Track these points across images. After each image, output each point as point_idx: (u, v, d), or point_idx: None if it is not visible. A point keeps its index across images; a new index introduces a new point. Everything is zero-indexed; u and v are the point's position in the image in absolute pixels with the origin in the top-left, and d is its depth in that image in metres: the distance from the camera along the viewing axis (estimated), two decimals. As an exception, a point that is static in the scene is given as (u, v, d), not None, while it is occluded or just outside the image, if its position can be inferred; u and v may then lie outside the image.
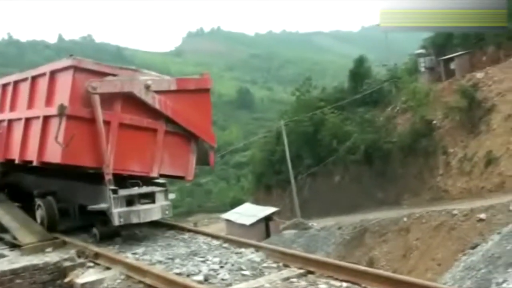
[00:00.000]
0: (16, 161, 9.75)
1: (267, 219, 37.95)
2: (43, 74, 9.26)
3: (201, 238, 9.16)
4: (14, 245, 9.08)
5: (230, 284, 6.62)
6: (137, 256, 8.10)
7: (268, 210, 39.09)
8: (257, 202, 46.36)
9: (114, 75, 8.75)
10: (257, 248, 8.09)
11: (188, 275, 7.00)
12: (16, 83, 10.37)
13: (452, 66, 38.55)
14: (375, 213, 32.17)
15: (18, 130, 9.83)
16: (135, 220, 8.62)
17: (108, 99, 8.61)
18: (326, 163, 41.48)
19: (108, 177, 8.44)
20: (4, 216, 10.02)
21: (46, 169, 9.34)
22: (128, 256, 8.04)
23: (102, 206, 8.57)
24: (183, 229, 9.82)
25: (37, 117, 9.18)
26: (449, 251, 21.96)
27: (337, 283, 6.36)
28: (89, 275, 7.61)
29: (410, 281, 6.08)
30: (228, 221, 42.21)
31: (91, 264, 8.04)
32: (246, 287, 6.49)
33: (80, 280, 7.46)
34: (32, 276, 7.79)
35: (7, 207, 10.53)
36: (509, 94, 30.41)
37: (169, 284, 6.62)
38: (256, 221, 37.39)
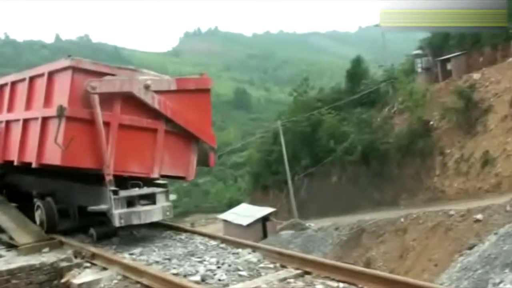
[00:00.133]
0: (15, 163, 9.66)
1: (264, 219, 37.97)
2: (41, 75, 9.17)
3: (198, 239, 9.15)
4: (10, 246, 9.05)
5: (227, 285, 6.62)
6: (134, 256, 8.09)
7: (265, 210, 39.09)
8: (254, 202, 46.36)
9: (113, 75, 8.66)
10: (254, 249, 8.09)
11: (185, 276, 7.00)
12: (13, 83, 10.26)
13: (449, 66, 38.62)
14: (372, 213, 32.19)
15: (16, 132, 9.74)
16: (136, 221, 8.55)
17: (107, 99, 8.53)
18: (323, 164, 41.50)
19: (109, 177, 8.37)
20: (1, 216, 9.99)
21: (45, 170, 9.26)
22: (125, 257, 8.03)
23: (103, 207, 8.49)
24: (180, 230, 9.81)
25: (36, 118, 9.09)
26: (445, 252, 21.98)
27: (334, 284, 6.37)
28: (86, 276, 7.59)
29: (406, 281, 6.09)
30: (225, 221, 42.21)
31: (88, 264, 8.02)
32: (243, 287, 6.50)
33: (77, 281, 7.44)
34: (28, 277, 7.76)
35: (4, 207, 10.50)
36: (505, 95, 30.47)
37: (166, 284, 6.61)
38: (253, 222, 37.40)
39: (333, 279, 6.46)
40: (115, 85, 8.56)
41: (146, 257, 7.98)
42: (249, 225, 37.16)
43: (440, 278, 17.36)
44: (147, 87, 8.74)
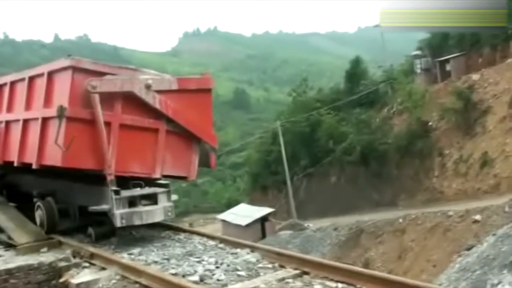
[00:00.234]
0: (15, 164, 9.58)
1: (263, 219, 37.98)
2: (41, 75, 9.09)
3: (196, 239, 9.15)
4: (9, 245, 9.04)
5: (225, 285, 6.62)
6: (132, 256, 8.08)
7: (264, 210, 39.10)
8: (253, 202, 46.36)
9: (113, 74, 8.59)
10: (253, 249, 8.09)
11: (183, 276, 7.00)
12: (12, 83, 10.17)
13: (448, 67, 38.65)
14: (371, 214, 32.21)
15: (16, 132, 9.66)
16: (137, 221, 8.49)
17: (108, 99, 8.45)
18: (322, 164, 41.52)
19: (110, 177, 8.30)
20: (0, 216, 9.98)
21: (46, 170, 9.16)
22: (124, 257, 8.02)
23: (104, 207, 8.41)
24: (178, 230, 9.79)
25: (36, 119, 9.01)
26: (444, 252, 22.01)
27: (333, 284, 6.37)
28: (84, 275, 7.58)
29: (405, 282, 6.09)
30: (224, 221, 42.21)
31: (87, 264, 8.01)
32: (242, 287, 6.50)
33: (75, 280, 7.43)
34: (27, 276, 7.75)
35: (3, 207, 10.49)
36: (504, 96, 30.50)
37: (164, 284, 6.60)
38: (252, 222, 37.41)
39: (331, 280, 6.47)
40: (116, 84, 8.48)
41: (145, 257, 7.97)
42: (248, 225, 37.17)
43: (439, 278, 17.37)
44: (148, 87, 8.65)
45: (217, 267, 7.27)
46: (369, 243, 28.48)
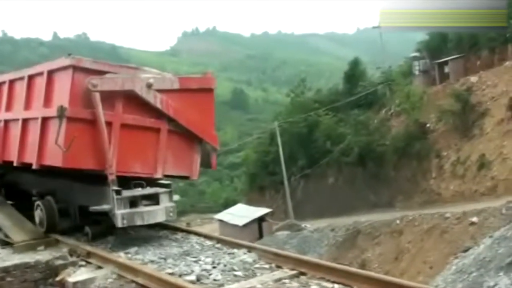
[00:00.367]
0: (15, 164, 9.47)
1: (260, 220, 38.00)
2: (40, 74, 8.98)
3: (193, 238, 9.13)
4: (6, 243, 9.03)
5: (222, 285, 6.62)
6: (129, 255, 8.06)
7: (261, 211, 39.13)
8: (250, 203, 46.38)
9: (114, 73, 8.49)
10: (250, 249, 8.08)
11: (180, 275, 6.99)
12: (11, 82, 10.05)
13: (447, 69, 38.76)
14: (368, 215, 32.25)
15: (15, 132, 9.54)
16: (138, 222, 8.38)
17: (109, 98, 8.35)
18: (319, 165, 41.58)
19: (112, 177, 8.18)
20: (-3, 214, 9.97)
21: (46, 170, 9.02)
22: (121, 256, 8.00)
23: (105, 207, 8.29)
24: (176, 229, 9.75)
25: (35, 118, 8.90)
26: (441, 254, 22.03)
27: (329, 285, 6.37)
28: (81, 274, 7.56)
29: (401, 283, 6.10)
30: (221, 221, 42.24)
31: (83, 263, 7.99)
32: (238, 287, 6.50)
33: (72, 279, 7.42)
34: (23, 274, 7.74)
35: (0, 206, 10.47)
36: (502, 99, 30.59)
37: (161, 284, 6.59)
38: (249, 222, 37.44)
39: (328, 280, 6.47)
40: (117, 83, 8.37)
41: (142, 256, 7.95)
42: (245, 226, 37.20)
43: (435, 280, 17.40)
44: (149, 86, 8.53)
45: (214, 267, 7.26)
46: (366, 244, 28.50)
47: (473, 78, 34.13)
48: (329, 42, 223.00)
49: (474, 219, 22.07)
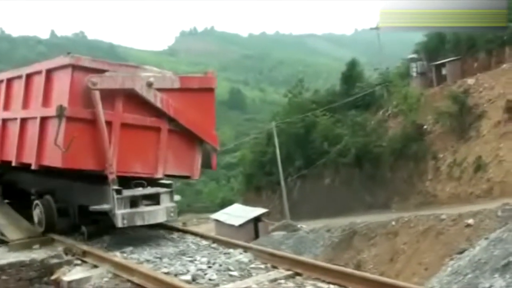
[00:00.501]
0: (13, 164, 9.35)
1: (256, 220, 37.97)
2: (39, 72, 8.85)
3: (189, 238, 9.12)
4: (1, 242, 9.01)
5: (217, 285, 6.62)
6: (125, 254, 8.04)
7: (258, 211, 39.11)
8: (246, 203, 46.37)
9: (114, 72, 8.39)
10: (246, 249, 8.07)
11: (176, 275, 6.99)
12: (9, 80, 9.94)
13: (444, 71, 38.84)
14: (364, 216, 32.27)
15: (13, 131, 9.41)
16: (139, 222, 8.29)
17: (109, 97, 8.24)
18: (316, 166, 41.60)
19: (112, 176, 8.08)
20: (-7, 212, 9.95)
21: (45, 169, 8.89)
22: (116, 255, 7.98)
23: (105, 207, 8.18)
24: (172, 229, 9.73)
25: (34, 118, 8.78)
26: (436, 256, 22.05)
27: (324, 285, 6.38)
28: (76, 273, 7.55)
29: (397, 284, 6.12)
30: (217, 221, 42.19)
31: (79, 262, 7.98)
32: (234, 287, 6.51)
33: (67, 278, 7.40)
34: (18, 273, 7.73)
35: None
36: (499, 101, 30.65)
37: (156, 283, 6.59)
38: (245, 222, 37.41)
39: (323, 281, 6.48)
40: (117, 81, 8.26)
41: (137, 256, 7.94)
42: (241, 226, 37.17)
43: (430, 281, 17.44)
44: (149, 85, 8.42)
45: (210, 267, 7.26)
46: (362, 245, 28.52)
47: (470, 80, 34.19)
48: (327, 43, 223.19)
49: (470, 221, 22.10)
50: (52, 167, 8.46)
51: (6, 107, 9.92)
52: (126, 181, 8.41)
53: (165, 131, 8.75)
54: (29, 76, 9.25)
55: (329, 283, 6.40)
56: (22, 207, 9.99)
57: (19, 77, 9.54)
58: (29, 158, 8.84)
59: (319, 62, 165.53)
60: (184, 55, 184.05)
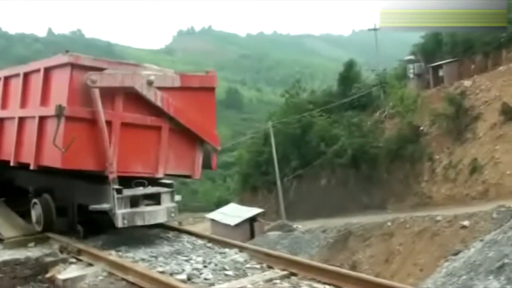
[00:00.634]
0: (12, 164, 9.20)
1: (252, 220, 37.98)
2: (37, 71, 8.71)
3: (185, 237, 9.10)
4: (-4, 239, 8.98)
5: (212, 284, 6.62)
6: (120, 253, 8.02)
7: (253, 211, 39.11)
8: (242, 202, 46.38)
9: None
10: (241, 249, 8.07)
11: (171, 274, 6.98)
12: (6, 78, 9.81)
13: (441, 73, 38.94)
14: (359, 217, 32.29)
15: (11, 130, 9.25)
16: (139, 222, 8.18)
17: (109, 96, 8.12)
18: (312, 166, 41.60)
19: (112, 175, 7.96)
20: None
21: (44, 168, 8.76)
22: (111, 253, 7.95)
23: (105, 206, 8.05)
24: (167, 228, 9.69)
25: (32, 117, 8.65)
26: (431, 257, 22.09)
27: (320, 286, 6.38)
28: (71, 271, 7.53)
29: (392, 285, 6.13)
30: (213, 220, 42.18)
31: (74, 260, 7.96)
32: (229, 287, 6.50)
33: (62, 276, 7.38)
34: (13, 271, 7.69)
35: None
36: (495, 103, 30.74)
37: (152, 282, 6.59)
38: (241, 222, 37.41)
39: (319, 281, 6.48)
40: (117, 79, 8.12)
41: (133, 254, 7.92)
42: (236, 225, 37.17)
43: (425, 282, 17.43)
44: (150, 83, 8.29)
45: (205, 266, 7.26)
46: (357, 246, 28.54)
47: (467, 82, 34.29)
48: (324, 44, 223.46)
49: (465, 222, 22.15)
50: (51, 167, 8.34)
51: (4, 106, 9.80)
52: (126, 181, 8.31)
53: (166, 130, 8.62)
54: (27, 75, 9.11)
55: (324, 283, 6.41)
56: (20, 205, 9.91)
57: (17, 75, 9.40)
58: (28, 158, 8.72)
59: (316, 62, 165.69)
60: (181, 54, 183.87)
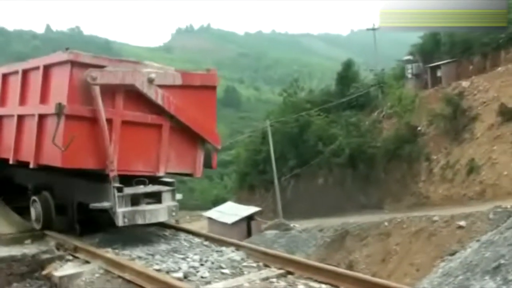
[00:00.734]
0: (11, 162, 9.13)
1: (249, 218, 37.92)
2: (36, 68, 8.63)
3: (182, 235, 9.10)
4: (-8, 236, 8.95)
5: (209, 282, 6.62)
6: (117, 251, 8.02)
7: (251, 209, 39.06)
8: (240, 201, 46.31)
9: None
10: (238, 247, 8.08)
11: (167, 272, 6.99)
12: (5, 76, 9.74)
13: (439, 73, 38.94)
14: (357, 216, 32.30)
15: (10, 128, 9.19)
16: (140, 221, 8.13)
17: (109, 94, 8.04)
18: (310, 165, 41.58)
19: (113, 173, 7.90)
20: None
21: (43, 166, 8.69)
22: (108, 251, 7.96)
23: (105, 204, 8.00)
24: (164, 226, 9.67)
25: (32, 115, 8.57)
26: (428, 257, 22.12)
27: (316, 285, 6.39)
28: (68, 268, 7.53)
29: (388, 285, 6.14)
30: (210, 219, 42.12)
31: (70, 257, 7.95)
32: (225, 285, 6.50)
33: (58, 273, 7.38)
34: (9, 267, 7.68)
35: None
36: (493, 104, 30.78)
37: (148, 280, 6.58)
38: (238, 220, 37.35)
39: (315, 280, 6.49)
40: (117, 76, 8.03)
41: (129, 252, 7.92)
42: (233, 224, 37.11)
43: (422, 282, 17.46)
44: (150, 81, 8.22)
45: (202, 265, 7.26)
46: (354, 245, 28.55)
47: (465, 83, 34.32)
48: (323, 43, 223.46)
49: (462, 223, 22.18)
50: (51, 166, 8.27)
51: (2, 103, 9.72)
52: (127, 179, 8.24)
53: (167, 128, 8.57)
54: (26, 72, 9.03)
55: (320, 282, 6.42)
56: (19, 202, 9.86)
57: (16, 72, 9.32)
58: (27, 156, 8.65)
59: (314, 61, 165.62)
60: (180, 52, 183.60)
